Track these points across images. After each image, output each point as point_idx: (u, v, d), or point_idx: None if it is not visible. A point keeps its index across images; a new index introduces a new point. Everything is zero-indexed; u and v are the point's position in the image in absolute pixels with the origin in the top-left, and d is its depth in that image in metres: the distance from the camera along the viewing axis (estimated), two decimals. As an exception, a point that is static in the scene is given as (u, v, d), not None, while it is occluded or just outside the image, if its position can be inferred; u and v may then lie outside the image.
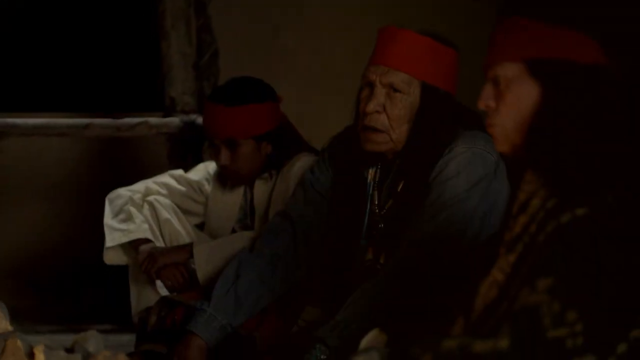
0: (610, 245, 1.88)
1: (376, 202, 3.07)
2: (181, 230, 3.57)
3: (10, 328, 2.63)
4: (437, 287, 2.70)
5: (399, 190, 3.01)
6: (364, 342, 2.18)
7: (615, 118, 1.98)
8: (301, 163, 3.43)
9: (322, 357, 2.75)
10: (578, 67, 1.99)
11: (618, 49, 2.05)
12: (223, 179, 3.65)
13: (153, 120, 4.74)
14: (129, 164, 5.11)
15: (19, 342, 2.51)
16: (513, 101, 2.02)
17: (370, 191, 3.08)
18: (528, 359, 1.82)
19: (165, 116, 4.76)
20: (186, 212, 3.66)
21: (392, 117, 2.92)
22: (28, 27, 5.91)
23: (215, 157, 3.53)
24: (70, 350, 2.50)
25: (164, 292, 3.44)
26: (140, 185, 3.62)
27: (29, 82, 5.89)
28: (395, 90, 2.93)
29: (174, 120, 4.73)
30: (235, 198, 3.64)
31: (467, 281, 2.26)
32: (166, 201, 3.59)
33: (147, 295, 3.49)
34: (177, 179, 3.70)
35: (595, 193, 1.91)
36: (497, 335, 1.84)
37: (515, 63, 2.02)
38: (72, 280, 5.16)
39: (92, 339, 2.51)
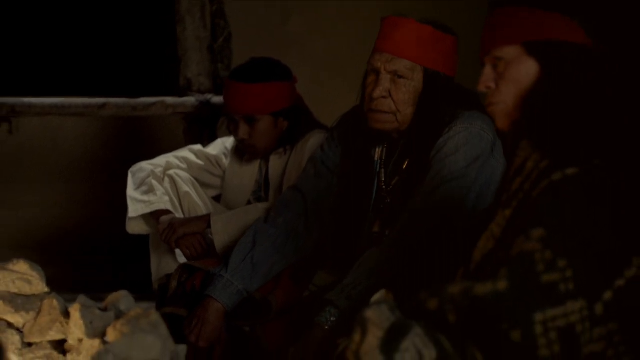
0: (596, 202, 2.02)
1: (383, 179, 3.18)
2: (199, 202, 3.66)
3: (46, 289, 2.67)
4: (435, 253, 2.82)
5: (404, 167, 3.13)
6: (373, 300, 2.23)
7: (604, 91, 2.14)
8: (314, 139, 3.54)
9: (332, 318, 2.87)
10: (570, 46, 2.17)
11: (600, 33, 2.22)
12: (240, 153, 3.75)
13: (169, 99, 4.76)
14: (145, 143, 5.07)
15: (55, 302, 2.54)
16: (513, 79, 2.20)
17: (378, 169, 3.19)
18: (525, 300, 1.94)
19: (181, 96, 4.79)
20: (204, 184, 3.76)
21: (397, 101, 3.04)
22: (47, 12, 5.89)
23: (234, 131, 3.63)
24: (103, 309, 2.48)
25: (182, 260, 3.52)
26: (161, 160, 3.72)
27: (46, 67, 5.86)
28: (400, 76, 3.04)
29: (190, 100, 4.75)
30: (251, 171, 3.75)
31: (462, 247, 2.39)
32: (185, 175, 3.69)
33: (166, 263, 3.60)
34: (196, 154, 3.80)
35: (585, 156, 2.06)
36: (495, 278, 1.97)
37: (514, 46, 2.20)
38: (89, 254, 5.15)
39: (124, 299, 2.47)
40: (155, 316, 2.27)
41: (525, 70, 2.20)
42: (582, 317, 1.96)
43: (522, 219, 2.09)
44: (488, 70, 2.25)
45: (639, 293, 2.01)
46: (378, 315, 1.96)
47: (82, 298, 2.58)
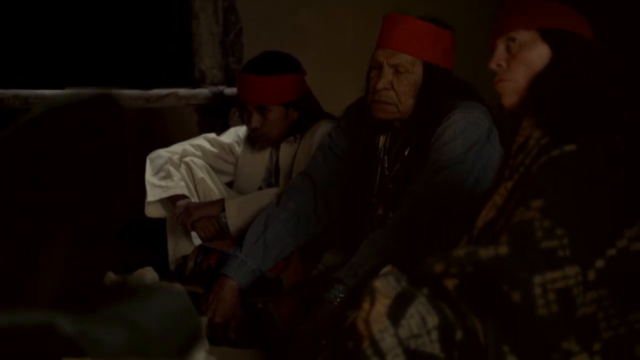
0: (592, 176, 2.12)
1: (386, 166, 3.28)
2: (213, 188, 3.76)
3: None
4: (435, 233, 2.96)
5: (406, 155, 3.24)
6: (381, 274, 2.34)
7: (605, 89, 2.27)
8: (322, 128, 3.63)
9: (340, 295, 2.99)
10: (579, 40, 2.31)
11: (600, 33, 2.39)
12: (252, 142, 3.85)
13: (182, 91, 4.79)
14: (159, 133, 5.00)
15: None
16: (526, 60, 2.32)
17: (381, 156, 3.30)
18: (525, 264, 2.03)
19: (194, 88, 4.84)
20: (218, 171, 3.85)
21: (399, 92, 3.14)
22: (61, 4, 5.83)
23: (247, 121, 3.71)
24: (129, 284, 2.72)
25: (197, 242, 3.62)
26: (177, 147, 3.82)
27: (60, 59, 5.83)
28: (401, 70, 3.15)
29: (203, 91, 4.79)
30: (262, 159, 3.83)
31: (461, 227, 2.49)
32: (200, 162, 3.79)
33: (183, 245, 3.70)
34: (211, 142, 3.89)
35: (583, 135, 2.17)
36: (497, 244, 2.07)
37: (530, 30, 2.33)
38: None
39: (149, 274, 2.69)
40: (179, 288, 2.42)
41: (538, 54, 2.31)
42: (577, 281, 2.04)
43: (522, 191, 2.19)
44: (501, 50, 2.36)
45: (628, 261, 2.11)
46: (385, 285, 2.08)
47: (109, 274, 2.75)
